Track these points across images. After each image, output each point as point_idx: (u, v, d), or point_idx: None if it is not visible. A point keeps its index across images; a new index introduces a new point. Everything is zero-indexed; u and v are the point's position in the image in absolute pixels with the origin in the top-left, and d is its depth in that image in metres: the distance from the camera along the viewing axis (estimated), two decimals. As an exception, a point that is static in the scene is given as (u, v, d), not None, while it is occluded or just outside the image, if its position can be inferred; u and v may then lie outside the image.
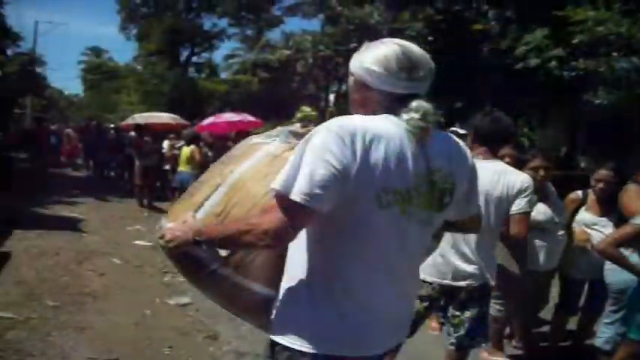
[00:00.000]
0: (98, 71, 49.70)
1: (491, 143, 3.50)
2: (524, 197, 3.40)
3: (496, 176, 3.37)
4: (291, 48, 37.46)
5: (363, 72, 1.89)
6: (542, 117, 16.12)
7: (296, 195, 1.67)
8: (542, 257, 4.49)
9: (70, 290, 5.78)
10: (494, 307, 4.34)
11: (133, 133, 14.41)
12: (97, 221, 10.07)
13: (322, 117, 18.06)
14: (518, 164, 4.29)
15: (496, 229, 3.42)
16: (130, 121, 17.68)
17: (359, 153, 1.70)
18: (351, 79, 1.98)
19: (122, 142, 16.34)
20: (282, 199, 1.71)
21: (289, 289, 1.91)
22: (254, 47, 42.03)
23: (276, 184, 1.74)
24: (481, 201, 3.17)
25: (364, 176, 1.71)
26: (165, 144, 13.27)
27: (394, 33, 14.26)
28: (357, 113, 1.91)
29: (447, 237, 3.21)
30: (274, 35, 39.53)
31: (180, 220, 2.11)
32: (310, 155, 1.70)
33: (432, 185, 1.85)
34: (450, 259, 3.34)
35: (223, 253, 2.08)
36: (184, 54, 40.04)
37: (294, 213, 1.70)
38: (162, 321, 5.16)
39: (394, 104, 1.85)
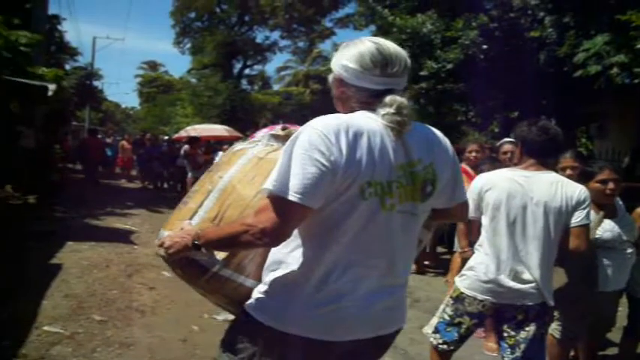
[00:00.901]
0: (153, 84, 50.77)
1: (541, 154, 3.40)
2: (583, 209, 3.28)
3: (553, 187, 3.27)
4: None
5: (340, 69, 2.01)
6: (601, 126, 15.57)
7: (291, 195, 1.75)
8: (609, 277, 4.14)
9: (118, 304, 5.72)
10: (556, 329, 4.07)
11: (186, 145, 14.48)
12: (148, 233, 10.06)
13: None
14: (584, 177, 4.04)
15: (556, 244, 3.31)
16: (183, 133, 17.85)
17: (344, 149, 1.79)
18: (331, 76, 2.08)
19: (175, 154, 16.48)
20: (277, 199, 1.78)
21: (270, 274, 2.00)
22: (306, 59, 42.28)
23: (269, 184, 1.82)
24: (539, 213, 3.23)
25: (350, 170, 1.80)
26: (219, 155, 13.25)
27: (448, 42, 14.03)
28: (338, 109, 2.04)
29: (501, 255, 3.28)
30: (326, 47, 39.67)
31: (177, 228, 2.20)
32: (299, 155, 1.78)
33: (413, 176, 1.94)
34: (503, 279, 3.27)
35: (220, 256, 2.13)
36: (237, 66, 40.50)
37: (290, 211, 1.78)
38: (210, 337, 5.01)
39: (371, 100, 1.95)
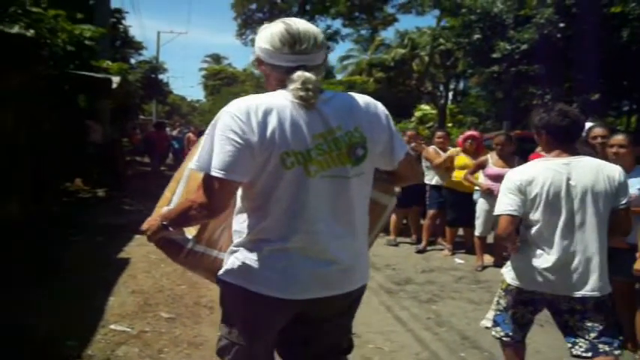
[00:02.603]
0: (218, 77, 51.22)
1: (568, 139, 3.32)
2: (625, 189, 3.25)
3: (594, 171, 3.21)
4: (406, 46, 36.96)
5: (257, 49, 2.21)
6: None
7: (214, 171, 1.99)
8: None
9: (185, 300, 5.50)
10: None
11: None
12: (215, 225, 9.89)
13: (443, 115, 17.44)
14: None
15: (606, 228, 3.22)
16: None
17: (255, 125, 1.99)
18: (252, 57, 2.32)
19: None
20: (206, 176, 2.04)
21: (233, 243, 2.22)
22: (369, 47, 41.73)
23: (192, 164, 2.12)
24: (587, 200, 3.15)
25: (265, 144, 1.99)
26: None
27: (521, 21, 13.40)
28: (266, 87, 2.23)
29: (551, 247, 3.20)
30: (388, 34, 39.06)
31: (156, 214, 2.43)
32: (217, 136, 2.01)
33: (336, 142, 2.10)
34: (554, 270, 3.20)
35: (191, 234, 2.39)
36: (300, 56, 40.21)
37: (216, 186, 2.02)
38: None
39: (285, 77, 2.11)
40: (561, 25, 12.63)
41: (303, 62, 2.12)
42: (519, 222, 3.32)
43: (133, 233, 7.96)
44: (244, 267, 2.14)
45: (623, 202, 3.22)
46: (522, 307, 3.40)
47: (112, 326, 4.71)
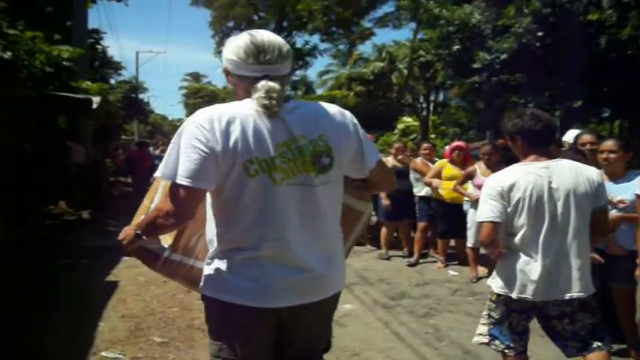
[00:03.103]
0: (198, 95, 51.06)
1: (543, 143, 3.34)
2: (603, 190, 3.32)
3: (573, 174, 3.24)
4: (384, 60, 37.10)
5: (224, 61, 2.25)
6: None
7: (179, 179, 2.02)
8: None
9: (178, 323, 5.38)
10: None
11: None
12: (203, 244, 9.76)
13: (425, 126, 17.46)
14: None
15: (587, 230, 3.25)
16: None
17: (219, 134, 2.03)
18: (220, 69, 2.34)
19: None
20: (172, 184, 2.06)
21: (207, 253, 2.25)
22: (347, 62, 41.86)
23: (158, 172, 2.11)
24: (569, 202, 3.17)
25: (229, 152, 2.03)
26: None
27: (500, 31, 13.48)
28: (235, 98, 2.25)
29: (537, 252, 3.19)
30: (366, 48, 39.21)
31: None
32: (183, 145, 2.05)
33: (300, 151, 2.13)
34: (540, 275, 3.18)
35: (167, 243, 2.45)
36: (279, 73, 40.22)
37: (182, 193, 2.04)
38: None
39: (251, 87, 2.15)
40: (540, 34, 12.72)
41: (267, 72, 2.17)
42: (502, 228, 3.29)
43: (120, 255, 7.82)
44: (218, 278, 2.18)
45: (603, 202, 3.30)
46: (516, 315, 3.35)
47: (103, 353, 4.58)
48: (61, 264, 7.74)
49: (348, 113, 2.30)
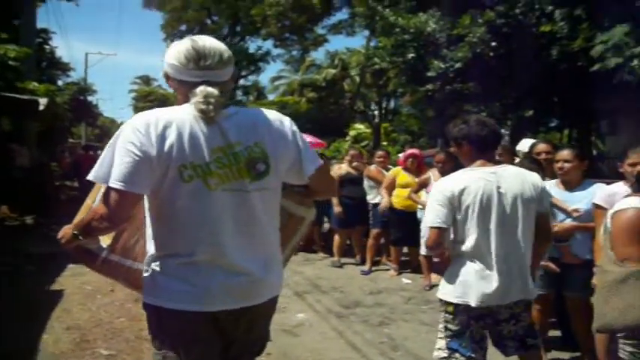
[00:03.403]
0: (148, 99, 50.31)
1: (490, 148, 3.39)
2: (546, 195, 3.41)
3: (519, 179, 3.28)
4: (337, 66, 37.17)
5: (165, 65, 2.25)
6: (613, 123, 15.10)
7: (113, 182, 2.01)
8: None
9: (126, 335, 5.16)
10: (624, 350, 3.42)
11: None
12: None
13: (377, 134, 17.47)
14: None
15: (532, 233, 3.30)
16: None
17: (154, 139, 2.03)
18: (162, 73, 2.33)
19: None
20: (107, 187, 2.05)
21: (145, 258, 2.25)
22: (300, 68, 41.85)
23: (91, 174, 2.09)
24: (516, 206, 3.20)
25: (163, 156, 2.03)
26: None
27: (454, 40, 13.58)
28: (176, 103, 2.26)
29: (487, 256, 3.17)
30: (319, 55, 39.27)
31: None
32: (118, 148, 2.04)
33: (235, 157, 2.14)
34: (494, 280, 3.17)
35: (105, 243, 2.45)
36: (232, 77, 39.96)
37: (116, 197, 2.03)
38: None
39: (191, 91, 2.16)
40: (493, 44, 12.86)
41: (207, 77, 2.18)
42: (448, 234, 3.27)
43: (66, 262, 7.54)
44: (156, 284, 2.17)
45: (546, 207, 3.39)
46: (475, 322, 3.29)
47: (47, 367, 4.36)
48: (2, 271, 7.40)
49: (287, 120, 2.32)
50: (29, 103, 11.05)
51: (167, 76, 2.28)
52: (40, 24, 18.49)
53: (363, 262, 8.57)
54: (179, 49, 2.20)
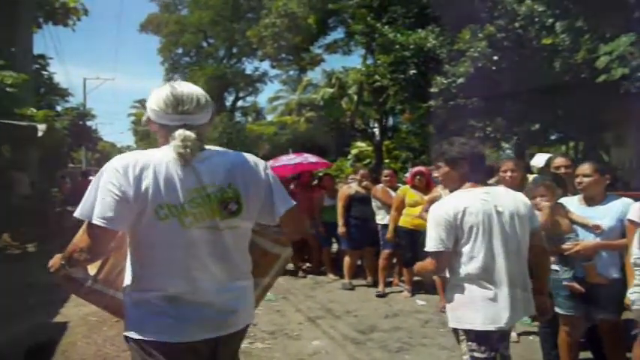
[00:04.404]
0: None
1: (484, 170, 3.51)
2: (534, 213, 3.44)
3: (511, 197, 3.30)
4: (334, 85, 37.11)
5: (148, 110, 2.43)
6: (618, 134, 14.96)
7: (95, 219, 2.16)
8: None
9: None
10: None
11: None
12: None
13: (379, 151, 17.29)
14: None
15: (527, 250, 3.29)
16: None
17: (132, 180, 2.19)
18: (144, 117, 2.51)
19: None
20: (88, 223, 2.20)
21: (124, 292, 2.40)
22: (297, 88, 41.85)
23: (77, 211, 2.24)
24: (514, 225, 3.19)
25: (141, 197, 2.19)
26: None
27: (455, 55, 13.46)
28: (158, 145, 2.41)
29: (496, 277, 3.10)
30: (315, 74, 39.25)
31: None
32: (101, 187, 2.20)
33: (209, 197, 2.29)
34: (505, 300, 3.09)
35: (92, 272, 2.58)
36: (229, 99, 40.09)
37: (96, 232, 2.19)
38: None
39: (170, 135, 2.32)
40: (495, 58, 12.71)
41: (186, 121, 2.35)
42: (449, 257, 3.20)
43: (69, 292, 7.32)
44: (136, 318, 2.30)
45: (537, 224, 3.42)
46: (499, 345, 3.19)
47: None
48: (3, 304, 7.17)
49: (262, 163, 2.49)
50: (28, 129, 10.93)
51: (149, 120, 2.45)
52: (37, 50, 18.46)
53: (375, 284, 8.36)
54: (159, 95, 2.39)
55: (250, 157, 2.47)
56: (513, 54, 12.76)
